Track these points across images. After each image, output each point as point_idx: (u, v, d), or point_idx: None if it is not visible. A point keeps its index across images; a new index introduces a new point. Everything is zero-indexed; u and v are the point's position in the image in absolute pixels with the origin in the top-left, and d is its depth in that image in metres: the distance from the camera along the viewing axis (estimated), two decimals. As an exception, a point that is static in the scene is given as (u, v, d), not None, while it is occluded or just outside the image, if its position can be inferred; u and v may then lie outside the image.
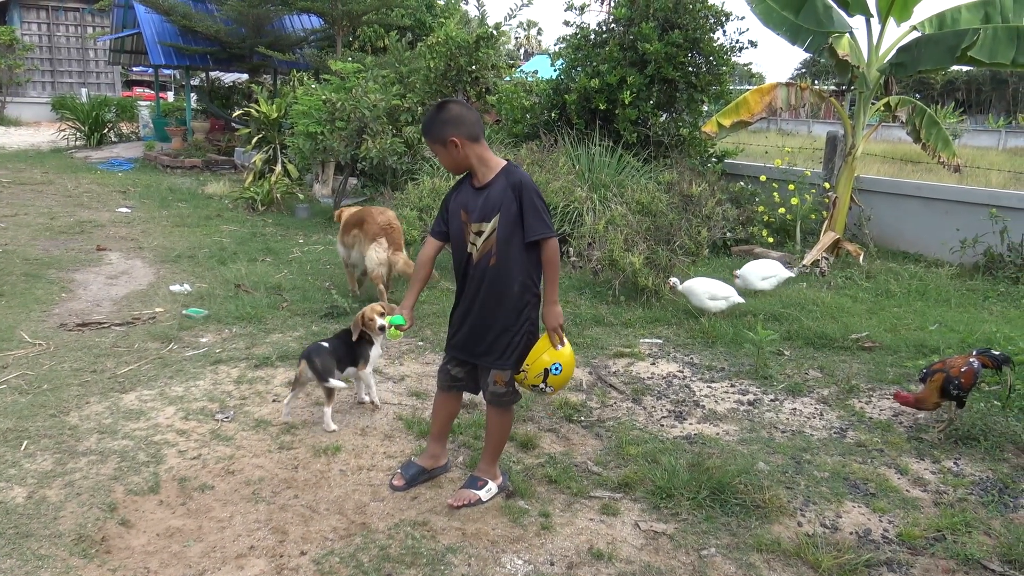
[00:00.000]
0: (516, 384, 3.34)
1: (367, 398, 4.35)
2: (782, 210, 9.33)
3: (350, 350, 4.18)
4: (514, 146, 9.78)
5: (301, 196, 11.39)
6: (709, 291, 6.10)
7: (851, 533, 3.28)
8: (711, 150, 10.55)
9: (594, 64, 9.65)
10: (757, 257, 8.42)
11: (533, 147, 8.36)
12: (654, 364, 5.21)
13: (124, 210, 10.73)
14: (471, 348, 3.32)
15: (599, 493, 3.48)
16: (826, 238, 8.71)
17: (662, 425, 4.27)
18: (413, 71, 12.71)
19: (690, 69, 9.78)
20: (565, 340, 3.28)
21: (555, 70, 10.83)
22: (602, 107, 9.35)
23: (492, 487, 3.40)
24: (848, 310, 6.48)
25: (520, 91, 10.53)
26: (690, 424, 4.29)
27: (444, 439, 3.63)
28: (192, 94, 19.22)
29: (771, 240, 9.14)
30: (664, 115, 10.02)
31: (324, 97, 10.14)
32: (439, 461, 3.60)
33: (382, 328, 4.08)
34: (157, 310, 5.97)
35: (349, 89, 11.15)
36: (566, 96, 9.69)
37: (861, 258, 8.55)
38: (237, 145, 17.91)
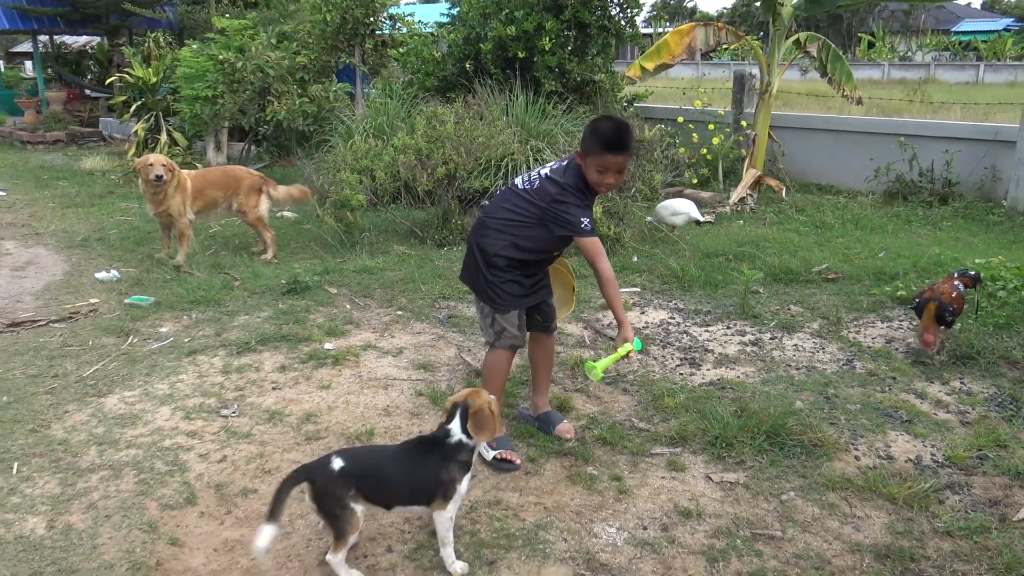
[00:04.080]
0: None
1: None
2: (704, 151, 9.47)
3: (414, 470, 2.59)
4: (426, 101, 9.41)
5: (198, 166, 10.57)
6: None
7: (906, 461, 3.35)
8: (620, 94, 10.54)
9: (508, 11, 9.36)
10: (688, 199, 8.53)
11: (469, 99, 8.04)
12: (643, 313, 5.16)
13: (-1, 193, 9.65)
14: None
15: (659, 450, 3.41)
16: (748, 175, 8.91)
17: (680, 374, 4.23)
18: (299, 26, 12.00)
19: (600, 13, 9.66)
20: None
21: (446, 16, 10.63)
22: (521, 55, 9.11)
23: None
24: (798, 244, 6.66)
25: (427, 42, 10.10)
26: (707, 370, 4.28)
27: None
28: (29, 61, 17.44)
29: (695, 181, 9.27)
30: (576, 60, 9.88)
31: (221, 57, 9.38)
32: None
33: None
34: (92, 301, 5.38)
35: (239, 48, 10.39)
36: (481, 45, 9.37)
37: (784, 192, 8.82)
38: (101, 115, 16.51)
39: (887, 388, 4.04)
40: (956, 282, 4.50)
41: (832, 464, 3.31)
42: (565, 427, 3.52)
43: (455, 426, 2.58)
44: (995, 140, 8.15)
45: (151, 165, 5.96)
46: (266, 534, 2.34)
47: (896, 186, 8.61)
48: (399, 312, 5.13)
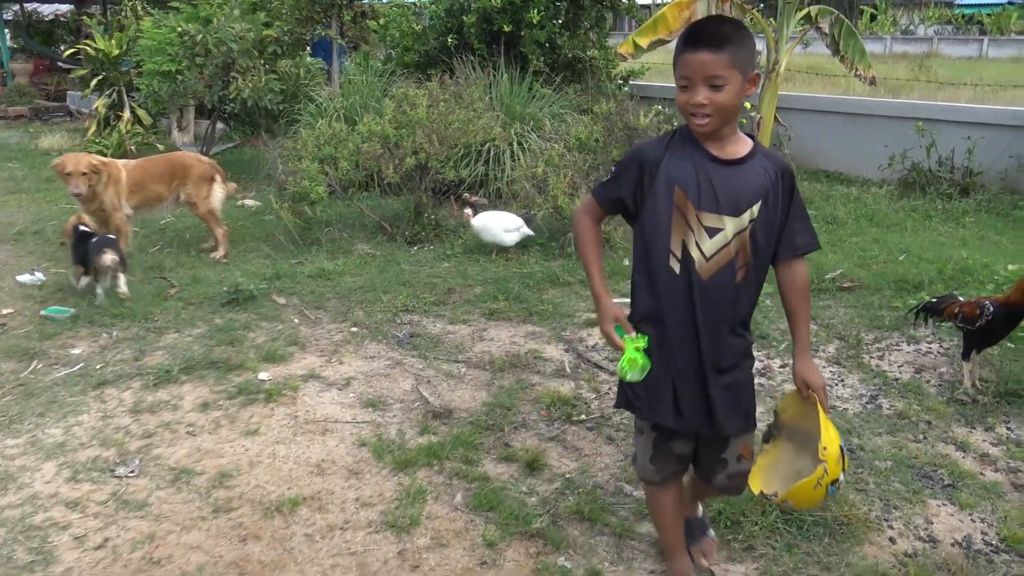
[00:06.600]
0: (780, 497, 2.13)
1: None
2: (703, 134, 8.76)
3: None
4: (407, 77, 8.67)
5: (161, 147, 9.84)
6: (503, 224, 5.69)
7: (952, 544, 2.72)
8: (615, 72, 9.79)
9: (494, -20, 8.59)
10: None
11: (446, 79, 7.32)
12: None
13: (-60, 176, 8.92)
14: (722, 413, 2.16)
15: (647, 528, 2.76)
16: (752, 162, 8.21)
17: (676, 414, 3.58)
18: (272, -6, 11.21)
19: (594, -18, 8.92)
20: None
21: None
22: (507, 29, 8.36)
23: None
24: (808, 244, 5.98)
25: (409, 14, 9.33)
26: (708, 410, 3.63)
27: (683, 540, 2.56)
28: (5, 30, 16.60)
29: (694, 167, 8.57)
30: (567, 34, 9.13)
31: (180, 29, 8.61)
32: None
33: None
34: (5, 312, 4.71)
35: (207, 19, 9.60)
36: (464, 18, 8.61)
37: (790, 182, 8.13)
38: (69, 88, 15.70)
39: (921, 436, 3.40)
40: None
41: (862, 549, 2.67)
42: (702, 545, 2.60)
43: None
44: (1023, 127, 7.45)
45: (69, 175, 5.22)
46: None
47: (912, 175, 7.91)
48: (353, 329, 4.46)
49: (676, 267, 2.08)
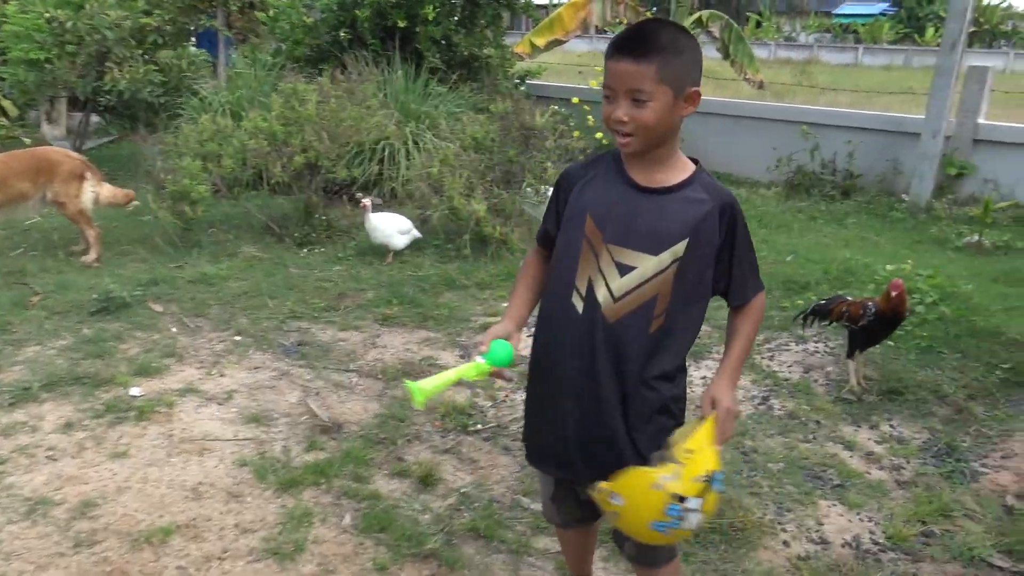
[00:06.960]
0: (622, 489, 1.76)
1: None
2: (599, 135, 8.81)
3: None
4: (297, 71, 8.36)
5: (27, 140, 9.15)
6: (396, 226, 5.56)
7: (842, 545, 2.76)
8: (511, 71, 9.75)
9: (387, -26, 8.39)
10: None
11: (337, 75, 7.06)
12: (531, 336, 4.43)
13: None
14: (606, 463, 1.81)
15: (544, 542, 2.68)
16: (646, 163, 8.33)
17: (573, 421, 3.53)
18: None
19: (490, -20, 8.84)
20: None
21: None
22: (401, 24, 8.17)
23: None
24: (701, 245, 6.09)
25: (299, 6, 9.00)
26: (605, 415, 3.59)
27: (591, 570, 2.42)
28: None
29: (590, 168, 8.62)
30: (463, 32, 9.02)
31: (48, 14, 8.02)
32: None
33: None
34: None
35: (78, 4, 9.01)
36: (357, 12, 8.37)
37: (683, 183, 8.28)
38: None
39: (811, 436, 3.46)
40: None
41: (757, 555, 2.67)
42: None
43: None
44: (898, 131, 7.82)
45: None
46: None
47: (798, 177, 8.19)
48: (237, 338, 4.21)
49: (579, 305, 1.82)
